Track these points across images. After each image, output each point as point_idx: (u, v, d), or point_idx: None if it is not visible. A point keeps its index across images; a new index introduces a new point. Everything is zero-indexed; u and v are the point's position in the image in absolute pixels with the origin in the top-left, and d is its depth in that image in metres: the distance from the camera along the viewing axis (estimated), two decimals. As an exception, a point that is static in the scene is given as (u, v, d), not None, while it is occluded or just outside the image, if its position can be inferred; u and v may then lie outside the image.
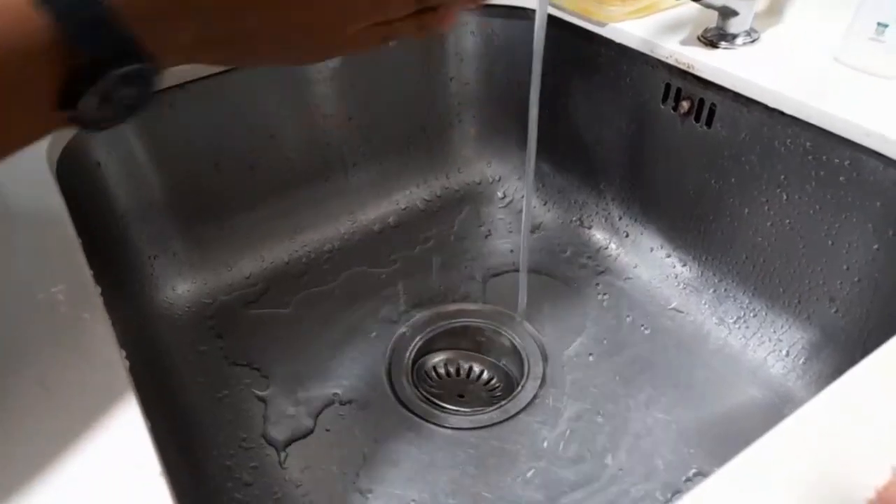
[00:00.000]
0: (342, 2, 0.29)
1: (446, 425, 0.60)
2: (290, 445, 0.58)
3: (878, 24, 0.52)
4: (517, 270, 0.73)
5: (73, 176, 0.54)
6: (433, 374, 0.67)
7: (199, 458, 0.56)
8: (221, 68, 0.64)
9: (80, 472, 0.30)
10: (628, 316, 0.68)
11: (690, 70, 0.59)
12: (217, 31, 0.28)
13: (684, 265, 0.69)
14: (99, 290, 0.41)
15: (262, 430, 0.59)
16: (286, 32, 0.29)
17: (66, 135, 0.56)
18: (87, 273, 0.41)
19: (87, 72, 0.24)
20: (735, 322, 0.64)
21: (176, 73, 0.62)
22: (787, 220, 0.58)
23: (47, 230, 0.44)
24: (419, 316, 0.70)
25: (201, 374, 0.63)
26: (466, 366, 0.68)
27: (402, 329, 0.68)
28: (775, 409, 0.58)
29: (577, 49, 0.70)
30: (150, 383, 0.48)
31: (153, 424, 0.34)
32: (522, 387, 0.62)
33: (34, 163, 0.51)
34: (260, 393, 0.62)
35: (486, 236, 0.79)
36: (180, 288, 0.70)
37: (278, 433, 0.59)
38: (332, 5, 0.29)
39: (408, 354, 0.66)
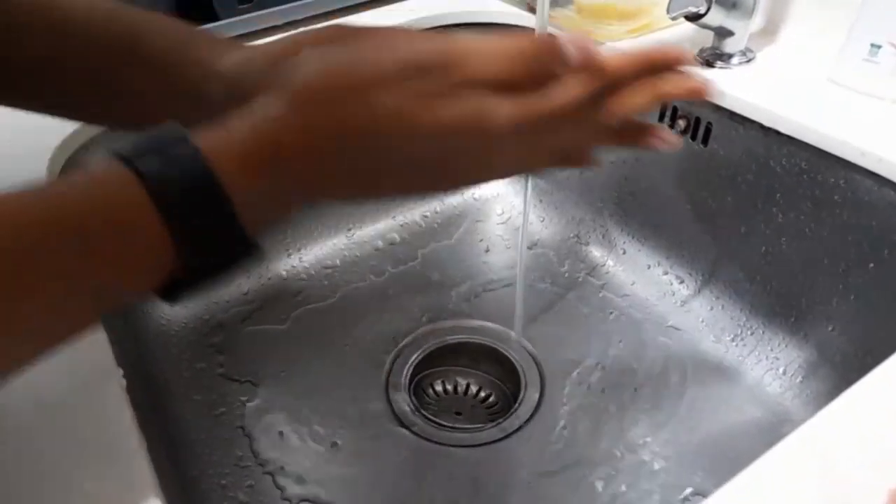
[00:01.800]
0: (479, 146, 0.27)
1: (443, 443, 0.59)
2: (286, 464, 0.58)
3: (872, 45, 0.53)
4: (515, 286, 0.73)
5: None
6: (430, 391, 0.67)
7: (195, 477, 0.55)
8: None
9: (73, 491, 0.30)
10: (625, 333, 0.68)
11: (686, 89, 0.60)
12: (332, 199, 0.28)
13: (681, 282, 0.69)
14: (96, 307, 0.40)
15: (257, 449, 0.59)
16: (409, 173, 0.28)
17: (67, 150, 0.57)
18: (84, 290, 0.41)
19: (199, 276, 0.25)
20: (732, 340, 0.64)
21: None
22: (784, 239, 0.58)
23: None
24: (417, 333, 0.70)
25: (197, 391, 0.63)
26: (464, 383, 0.68)
27: (400, 346, 0.68)
28: (773, 429, 0.58)
29: (575, 68, 0.71)
30: (145, 401, 0.48)
31: (149, 443, 0.33)
32: (520, 404, 0.62)
33: (34, 178, 0.51)
34: (256, 411, 0.62)
35: (486, 251, 0.79)
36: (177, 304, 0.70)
37: (274, 451, 0.58)
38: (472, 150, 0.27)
39: (405, 371, 0.66)
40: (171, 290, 0.24)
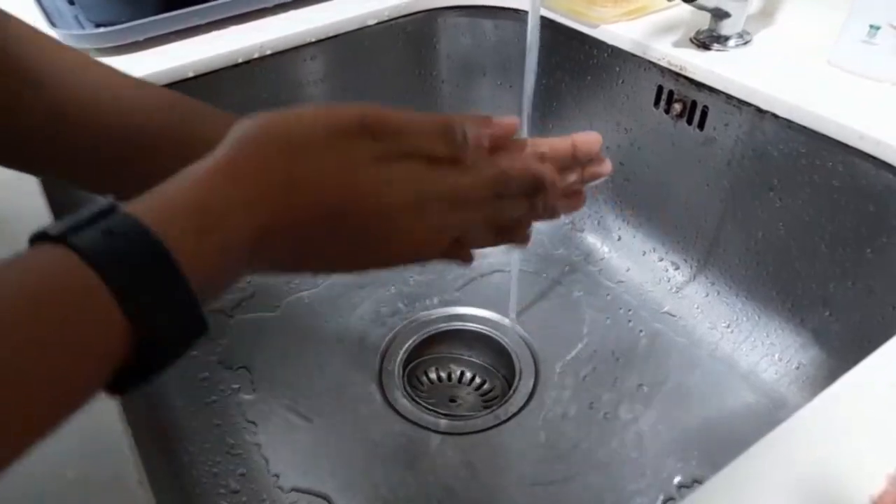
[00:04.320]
0: (408, 220, 0.28)
1: (438, 430, 0.59)
2: (279, 451, 0.57)
3: (871, 26, 0.52)
4: (509, 272, 0.72)
5: (58, 183, 0.53)
6: (424, 378, 0.66)
7: (186, 464, 0.55)
8: (211, 69, 0.63)
9: (56, 480, 0.29)
10: (620, 320, 0.67)
11: (683, 72, 0.59)
12: (282, 267, 0.27)
13: (677, 269, 0.69)
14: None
15: (250, 437, 0.58)
16: (355, 252, 0.28)
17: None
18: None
19: (151, 359, 0.22)
20: (727, 326, 0.64)
21: (165, 74, 0.61)
22: (781, 224, 0.58)
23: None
24: (410, 320, 0.69)
25: (188, 378, 0.62)
26: (458, 370, 0.68)
27: (393, 333, 0.68)
28: (768, 414, 0.57)
29: (570, 51, 0.70)
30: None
31: (136, 431, 0.33)
32: (514, 391, 0.62)
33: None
34: (248, 398, 0.61)
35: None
36: (168, 291, 0.69)
37: (267, 439, 0.58)
38: (398, 223, 0.28)
39: (399, 358, 0.65)
40: (120, 382, 0.22)
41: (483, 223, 0.31)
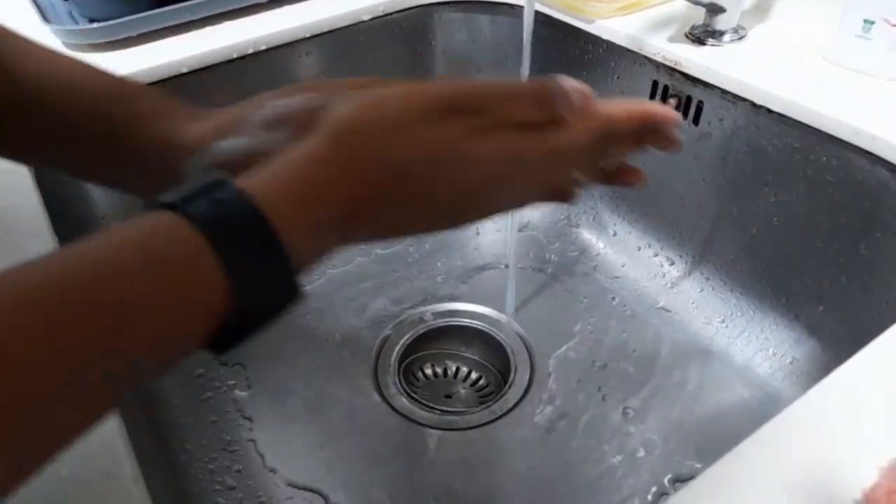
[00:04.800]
0: (503, 174, 0.28)
1: (434, 426, 0.59)
2: (275, 448, 0.57)
3: (865, 21, 0.52)
4: (506, 268, 0.72)
5: (52, 177, 0.53)
6: (420, 374, 0.66)
7: (183, 462, 0.55)
8: (205, 65, 0.63)
9: (49, 478, 0.29)
10: (615, 315, 0.67)
11: (678, 67, 0.59)
12: (375, 239, 0.28)
13: (672, 264, 0.69)
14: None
15: (246, 433, 0.58)
16: (454, 216, 0.29)
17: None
18: (63, 274, 0.40)
19: (249, 322, 0.24)
20: (722, 321, 0.64)
21: (158, 70, 0.61)
22: (775, 219, 0.58)
23: (25, 233, 0.43)
24: (406, 316, 0.69)
25: (184, 375, 0.62)
26: (453, 366, 0.68)
27: (389, 329, 0.68)
28: (762, 409, 0.58)
29: (565, 46, 0.70)
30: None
31: (131, 428, 0.33)
32: (510, 387, 0.62)
33: (14, 164, 0.49)
34: (244, 395, 0.61)
35: (476, 234, 0.79)
36: (164, 288, 0.69)
37: (263, 436, 0.58)
38: (497, 191, 0.28)
39: (394, 354, 0.65)
40: (219, 341, 0.24)
41: (586, 170, 0.32)
